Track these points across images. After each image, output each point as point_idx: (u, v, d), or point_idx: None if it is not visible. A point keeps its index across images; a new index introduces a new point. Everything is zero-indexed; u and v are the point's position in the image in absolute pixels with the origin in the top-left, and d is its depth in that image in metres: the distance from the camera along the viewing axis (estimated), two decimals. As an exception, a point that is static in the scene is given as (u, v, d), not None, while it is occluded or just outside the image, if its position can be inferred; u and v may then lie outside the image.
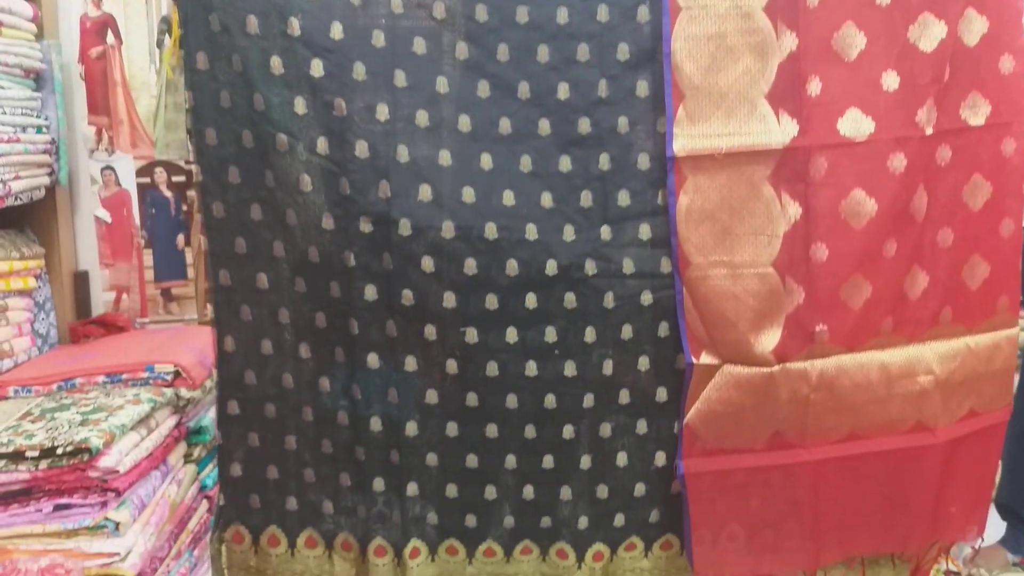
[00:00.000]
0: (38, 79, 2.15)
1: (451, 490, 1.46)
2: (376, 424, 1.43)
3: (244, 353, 1.45)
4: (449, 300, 1.39)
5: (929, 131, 1.40)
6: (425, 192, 1.37)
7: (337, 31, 1.34)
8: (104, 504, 1.53)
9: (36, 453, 1.51)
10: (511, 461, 1.45)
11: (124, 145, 2.31)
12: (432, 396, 1.42)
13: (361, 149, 1.35)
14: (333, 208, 1.37)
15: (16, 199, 2.00)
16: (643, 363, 1.44)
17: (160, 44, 2.29)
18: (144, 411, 1.70)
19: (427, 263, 1.38)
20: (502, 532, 1.49)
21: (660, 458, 1.47)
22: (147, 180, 2.33)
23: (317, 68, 1.33)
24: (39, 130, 2.09)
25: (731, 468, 1.44)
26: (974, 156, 1.43)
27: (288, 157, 1.36)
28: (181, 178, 2.36)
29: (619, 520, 1.49)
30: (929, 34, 1.38)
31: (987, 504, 1.59)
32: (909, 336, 1.45)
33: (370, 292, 1.39)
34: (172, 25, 2.33)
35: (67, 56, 2.24)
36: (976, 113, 1.43)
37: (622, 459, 1.47)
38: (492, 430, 1.44)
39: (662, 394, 1.45)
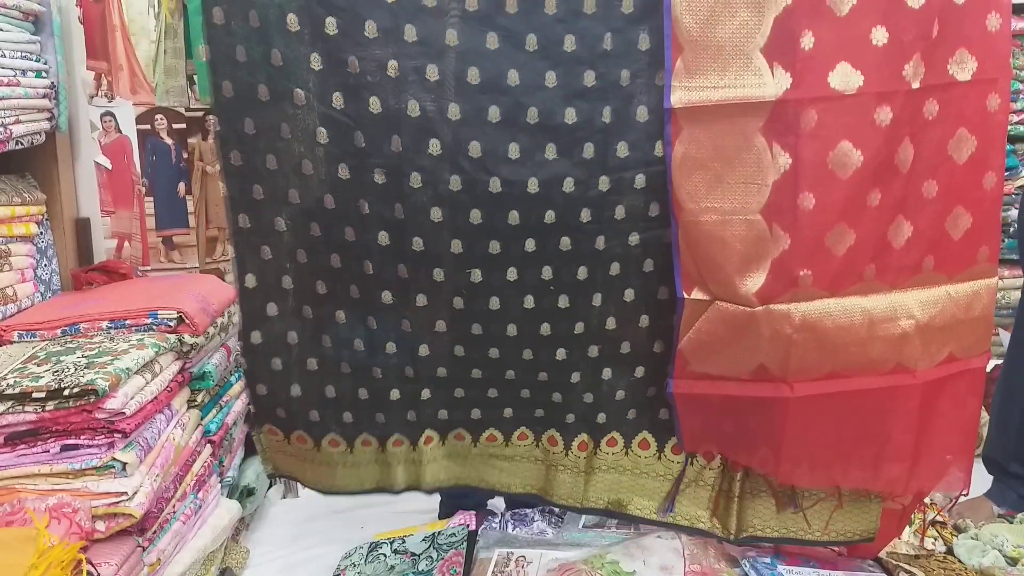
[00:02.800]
0: (37, 22, 2.12)
1: (459, 392, 1.64)
2: (391, 347, 1.59)
3: (264, 289, 1.56)
4: (456, 246, 1.50)
5: (916, 85, 1.44)
6: (435, 146, 1.44)
7: None
8: (111, 445, 1.55)
9: (43, 394, 1.53)
10: (511, 375, 1.62)
11: (124, 91, 2.29)
12: (441, 325, 1.56)
13: (374, 104, 1.42)
14: (348, 159, 1.45)
15: (17, 143, 2.00)
16: (629, 295, 1.57)
17: (159, -12, 2.27)
18: (148, 356, 1.72)
19: (435, 213, 1.47)
20: (502, 421, 1.68)
21: (639, 372, 1.63)
22: (147, 127, 2.32)
23: (331, 26, 1.38)
24: (39, 74, 2.08)
25: (716, 393, 1.56)
26: (960, 111, 1.47)
27: (304, 110, 1.43)
28: (182, 125, 2.35)
29: (601, 418, 1.66)
30: None
31: (971, 452, 1.62)
32: (891, 283, 1.51)
33: (383, 238, 1.50)
34: (171, -31, 2.31)
35: (65, -2, 2.22)
36: (963, 69, 1.46)
37: (607, 374, 1.63)
38: (494, 352, 1.59)
39: (644, 320, 1.59)
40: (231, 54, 1.40)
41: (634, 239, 1.52)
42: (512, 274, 1.52)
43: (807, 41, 1.41)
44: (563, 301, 1.55)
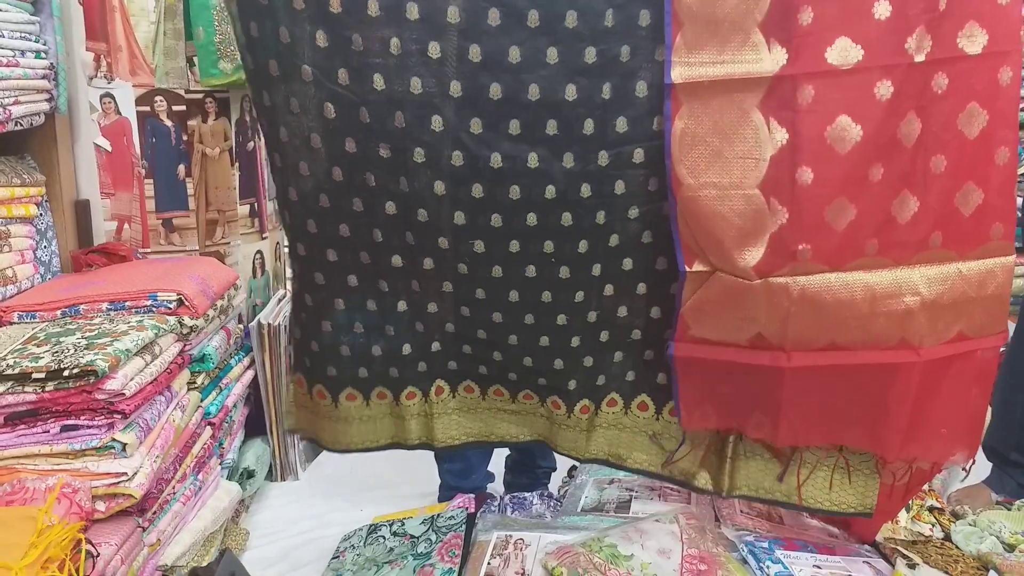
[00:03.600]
0: (36, 2, 2.11)
1: (466, 348, 1.71)
2: (402, 306, 1.66)
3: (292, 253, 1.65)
4: (459, 218, 1.54)
5: (920, 58, 1.42)
6: (437, 122, 1.47)
7: None
8: (111, 426, 1.55)
9: (43, 375, 1.53)
10: (513, 340, 1.67)
11: (123, 72, 2.27)
12: (447, 286, 1.62)
13: (378, 81, 1.45)
14: (355, 134, 1.50)
15: (16, 124, 1.99)
16: (627, 264, 1.61)
17: (159, -31, 2.25)
18: (148, 337, 1.72)
19: (439, 187, 1.51)
20: (507, 382, 1.75)
21: (636, 335, 1.68)
22: (147, 108, 2.31)
23: (336, 4, 1.41)
24: (38, 55, 2.07)
25: (714, 358, 1.58)
26: (970, 85, 1.45)
27: (312, 87, 1.47)
28: (181, 107, 2.33)
29: (600, 380, 1.72)
30: None
31: (979, 430, 1.61)
32: (896, 259, 1.49)
33: (390, 208, 1.55)
34: (170, -51, 2.29)
35: (64, -22, 2.20)
36: (973, 42, 1.43)
37: (604, 336, 1.67)
38: (497, 317, 1.64)
39: (642, 288, 1.63)
40: (248, 30, 1.47)
41: (633, 212, 1.55)
42: (514, 246, 1.56)
43: (805, 16, 1.41)
44: (564, 272, 1.59)
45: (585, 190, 1.53)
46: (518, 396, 1.76)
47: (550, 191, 1.52)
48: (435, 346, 1.71)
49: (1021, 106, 1.65)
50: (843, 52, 1.41)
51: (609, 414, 1.74)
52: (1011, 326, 3.14)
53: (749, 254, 1.48)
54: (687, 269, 1.52)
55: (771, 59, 1.42)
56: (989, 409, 2.29)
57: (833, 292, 1.49)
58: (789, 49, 1.42)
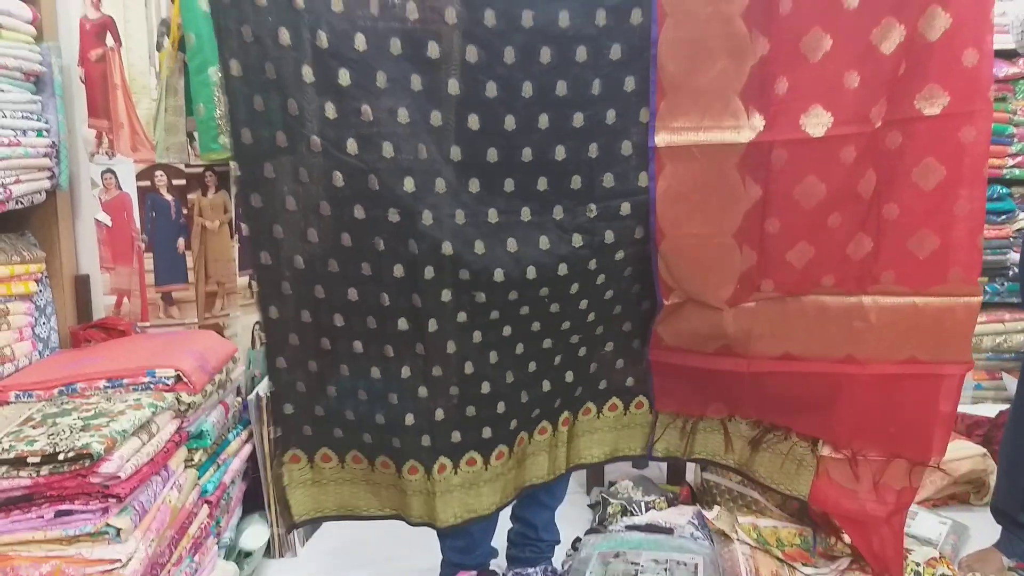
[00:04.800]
0: (38, 82, 2.14)
1: (470, 411, 1.72)
2: (406, 372, 1.66)
3: (286, 321, 1.64)
4: (464, 274, 1.60)
5: (878, 124, 1.55)
6: (440, 185, 1.55)
7: (360, 42, 1.47)
8: (105, 510, 1.53)
9: (38, 459, 1.51)
10: (510, 376, 1.73)
11: (124, 148, 2.30)
12: (451, 346, 1.65)
13: (387, 149, 1.51)
14: (364, 201, 1.54)
15: (17, 203, 2.01)
16: (608, 294, 1.75)
17: (160, 47, 2.29)
18: (145, 416, 1.71)
19: (446, 247, 1.57)
20: (508, 434, 1.78)
21: (609, 347, 1.85)
22: (147, 183, 2.33)
23: (344, 77, 1.47)
24: (40, 133, 2.09)
25: (683, 364, 1.80)
26: (927, 142, 1.57)
27: (321, 156, 1.51)
28: (181, 181, 2.36)
29: (578, 391, 1.87)
30: (890, 37, 1.51)
31: (944, 440, 1.70)
32: (849, 290, 1.66)
33: (398, 271, 1.59)
34: (171, 27, 2.35)
35: (67, 58, 2.23)
36: (932, 104, 1.54)
37: (583, 352, 1.82)
38: (493, 356, 1.70)
39: (618, 310, 1.79)
40: (249, 104, 1.48)
41: (620, 255, 1.69)
42: (512, 295, 1.64)
43: (782, 86, 1.54)
44: (554, 307, 1.70)
45: (577, 240, 1.64)
46: (515, 447, 1.79)
47: (543, 241, 1.63)
48: (439, 414, 1.70)
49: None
50: (816, 119, 1.55)
51: (584, 422, 1.91)
52: (1011, 382, 3.15)
53: (723, 290, 1.66)
54: (665, 302, 1.70)
55: (750, 127, 1.55)
56: (995, 470, 2.29)
57: (789, 312, 1.69)
58: (767, 116, 1.55)
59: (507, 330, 1.69)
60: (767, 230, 1.63)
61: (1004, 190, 3.49)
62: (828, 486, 1.80)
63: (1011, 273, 3.44)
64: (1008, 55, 3.25)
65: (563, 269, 1.64)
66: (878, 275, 1.65)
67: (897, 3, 1.49)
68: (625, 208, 1.64)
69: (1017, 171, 3.48)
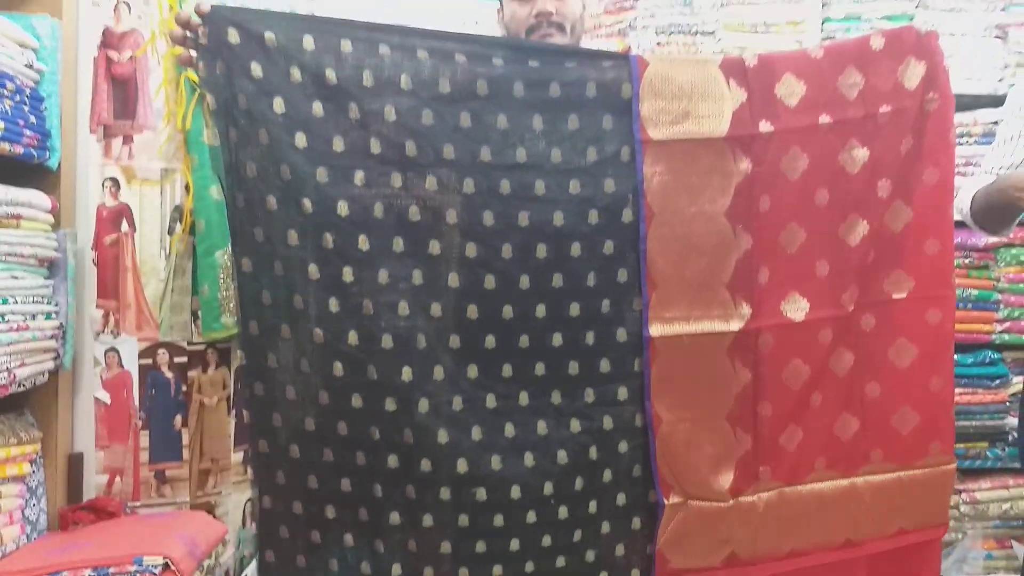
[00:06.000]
0: (51, 267, 2.21)
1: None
2: (393, 461, 1.64)
3: (279, 512, 1.65)
4: (461, 465, 1.61)
5: (851, 308, 1.68)
6: (439, 372, 1.61)
7: (364, 242, 1.55)
8: None
9: (15, 662, 1.46)
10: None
11: (129, 328, 2.35)
12: (446, 547, 1.65)
13: (387, 341, 1.58)
14: (362, 390, 1.57)
15: (20, 386, 2.03)
16: (620, 499, 1.74)
17: (171, 231, 2.40)
18: (129, 611, 1.66)
19: (442, 435, 1.60)
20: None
21: (620, 550, 1.78)
22: (149, 361, 2.37)
23: (348, 275, 1.55)
24: (48, 316, 2.14)
25: None
26: (898, 324, 1.71)
27: (323, 347, 1.57)
28: (183, 359, 2.40)
29: None
30: (855, 231, 1.68)
31: None
32: (843, 471, 1.73)
33: (392, 461, 1.60)
34: (184, 213, 2.47)
35: (82, 242, 2.31)
36: (899, 288, 1.70)
37: (590, 556, 1.75)
38: (497, 570, 1.69)
39: (636, 523, 1.76)
40: (258, 298, 1.58)
41: (623, 447, 1.71)
42: (516, 492, 1.65)
43: (763, 276, 1.67)
44: (548, 491, 1.69)
45: (575, 425, 1.68)
46: None
47: (541, 427, 1.66)
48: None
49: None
50: (795, 305, 1.68)
51: None
52: (1020, 550, 3.07)
53: (722, 477, 1.69)
54: (665, 501, 1.70)
55: (738, 315, 1.66)
56: None
57: (790, 505, 1.72)
58: (752, 304, 1.66)
59: (515, 544, 1.68)
60: (760, 413, 1.70)
61: (996, 355, 3.52)
62: None
63: (1010, 438, 3.42)
64: (997, 101, 3.05)
65: (563, 457, 1.66)
66: (868, 453, 1.73)
67: (862, 200, 1.64)
68: (622, 393, 1.69)
69: (1007, 336, 3.52)
